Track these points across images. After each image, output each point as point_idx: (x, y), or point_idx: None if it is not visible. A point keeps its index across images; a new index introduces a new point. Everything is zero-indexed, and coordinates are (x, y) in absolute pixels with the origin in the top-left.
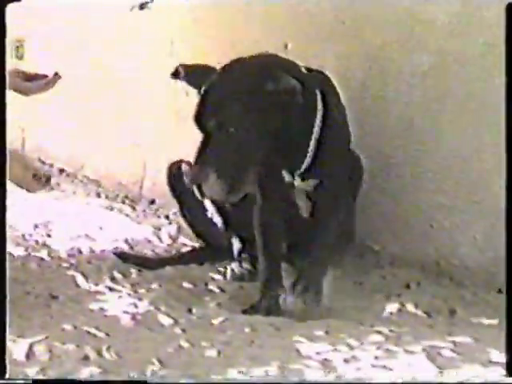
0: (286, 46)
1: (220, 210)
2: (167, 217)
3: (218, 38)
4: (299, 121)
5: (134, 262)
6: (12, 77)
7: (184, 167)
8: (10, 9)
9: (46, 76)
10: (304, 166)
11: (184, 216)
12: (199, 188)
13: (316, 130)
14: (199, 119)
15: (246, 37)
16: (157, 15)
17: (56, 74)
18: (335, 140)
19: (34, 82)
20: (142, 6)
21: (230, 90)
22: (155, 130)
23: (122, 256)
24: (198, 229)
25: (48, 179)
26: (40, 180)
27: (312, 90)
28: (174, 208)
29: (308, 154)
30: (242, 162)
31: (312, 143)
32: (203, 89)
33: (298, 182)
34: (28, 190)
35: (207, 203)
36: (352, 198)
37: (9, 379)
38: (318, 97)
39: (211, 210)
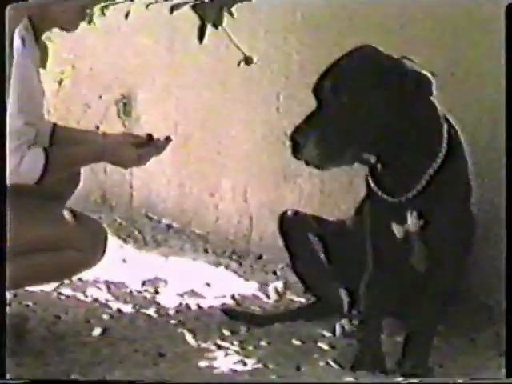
0: None
1: (329, 257)
2: (274, 272)
3: None
4: (419, 131)
5: (241, 318)
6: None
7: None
8: (115, 64)
9: (157, 140)
10: (413, 192)
11: (294, 267)
12: (295, 147)
13: (438, 160)
14: (316, 89)
15: None
16: (263, 69)
17: (167, 138)
18: (453, 186)
19: (144, 149)
20: (247, 61)
21: (356, 62)
22: (262, 186)
23: (229, 312)
24: (309, 281)
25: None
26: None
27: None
28: (281, 263)
29: (421, 182)
30: (347, 135)
31: (430, 170)
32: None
33: (408, 223)
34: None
35: (315, 241)
36: (465, 254)
37: (9, 379)
38: (445, 129)
39: (320, 250)
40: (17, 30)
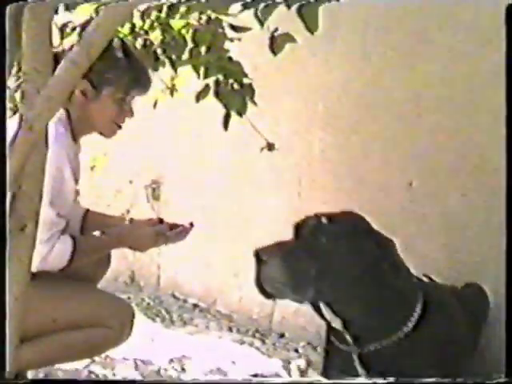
0: (410, 184)
1: None
2: (296, 350)
3: (344, 177)
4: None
5: None
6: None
7: None
8: (145, 151)
9: (182, 226)
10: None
11: None
12: (258, 261)
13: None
14: (299, 224)
15: (367, 177)
16: (285, 156)
17: (191, 224)
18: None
19: (169, 233)
20: (270, 148)
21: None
22: None
23: None
24: None
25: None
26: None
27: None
28: (302, 341)
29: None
30: (314, 276)
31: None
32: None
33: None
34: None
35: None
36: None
37: (9, 379)
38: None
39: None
40: (54, 121)
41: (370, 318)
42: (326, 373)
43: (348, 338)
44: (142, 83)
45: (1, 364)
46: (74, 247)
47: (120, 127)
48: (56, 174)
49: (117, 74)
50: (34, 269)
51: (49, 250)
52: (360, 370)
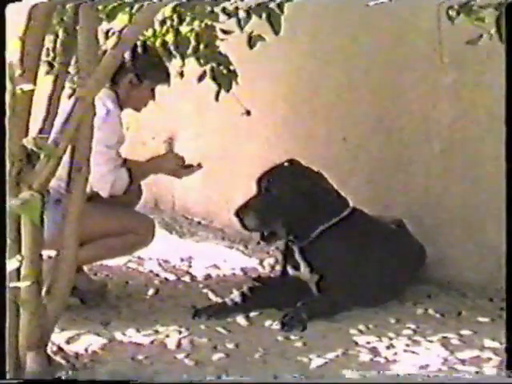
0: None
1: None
2: (268, 252)
3: (298, 135)
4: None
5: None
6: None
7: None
8: (163, 116)
9: (192, 165)
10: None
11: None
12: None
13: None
14: (259, 181)
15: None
16: (257, 118)
17: (199, 164)
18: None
19: (185, 170)
20: (247, 113)
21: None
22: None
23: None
24: None
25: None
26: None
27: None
28: (272, 246)
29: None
30: (275, 213)
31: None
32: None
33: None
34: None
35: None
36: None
37: (9, 379)
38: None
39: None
40: (101, 102)
41: (306, 221)
42: (284, 270)
43: (292, 237)
44: (167, 80)
45: (1, 364)
46: (131, 176)
47: (146, 106)
48: (113, 127)
49: (155, 73)
50: (105, 194)
51: (114, 180)
52: (300, 260)
